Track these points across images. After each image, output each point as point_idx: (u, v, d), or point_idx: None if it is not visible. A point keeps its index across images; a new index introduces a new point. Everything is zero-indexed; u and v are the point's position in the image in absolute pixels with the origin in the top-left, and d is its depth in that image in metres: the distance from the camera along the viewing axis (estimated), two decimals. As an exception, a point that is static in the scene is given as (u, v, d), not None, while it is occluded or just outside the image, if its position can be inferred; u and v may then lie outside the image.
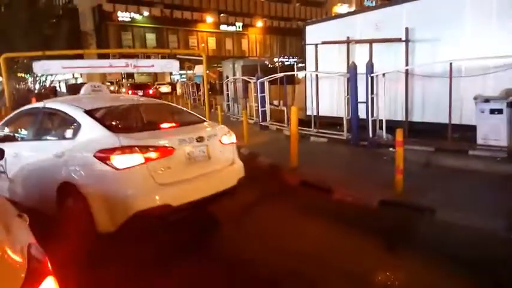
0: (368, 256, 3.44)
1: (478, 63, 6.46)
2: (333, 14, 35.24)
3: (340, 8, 57.29)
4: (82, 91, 5.21)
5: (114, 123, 4.13)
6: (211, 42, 50.02)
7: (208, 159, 4.10)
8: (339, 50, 9.29)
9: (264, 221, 4.47)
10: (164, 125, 4.28)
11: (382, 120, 7.34)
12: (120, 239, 3.56)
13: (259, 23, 52.37)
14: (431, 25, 7.53)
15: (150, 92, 28.69)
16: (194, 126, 4.37)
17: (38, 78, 23.85)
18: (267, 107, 11.24)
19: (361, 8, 9.40)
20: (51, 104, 4.60)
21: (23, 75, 23.47)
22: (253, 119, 12.12)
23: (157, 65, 15.36)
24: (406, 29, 7.79)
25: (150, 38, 45.04)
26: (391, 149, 6.71)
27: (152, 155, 3.56)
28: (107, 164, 3.40)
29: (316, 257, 3.45)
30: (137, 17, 43.02)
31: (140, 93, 28.09)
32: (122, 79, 39.17)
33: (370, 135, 7.38)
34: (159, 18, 44.44)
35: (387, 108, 7.42)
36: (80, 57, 17.71)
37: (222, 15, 49.72)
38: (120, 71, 29.31)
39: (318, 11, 56.07)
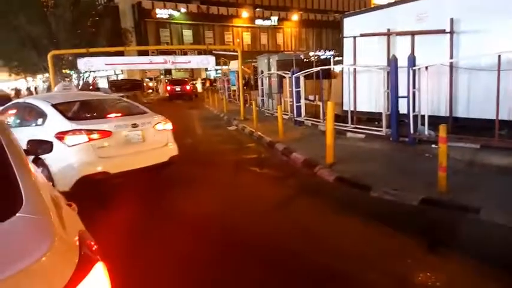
0: (408, 256, 3.33)
1: (530, 55, 6.05)
2: (372, 5, 34.23)
3: (379, -1, 55.61)
4: (55, 89, 7.60)
5: (70, 113, 5.56)
6: (247, 38, 50.18)
7: (143, 141, 5.55)
8: (378, 43, 9.00)
9: (299, 217, 4.44)
10: (110, 115, 5.69)
11: (424, 115, 7.05)
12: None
13: (295, 17, 51.84)
14: (477, 15, 7.12)
15: (187, 87, 29.25)
16: (133, 116, 5.77)
17: (81, 75, 25.00)
18: (302, 102, 11.13)
19: (402, -1, 9.07)
20: (28, 99, 6.47)
21: (67, 71, 24.67)
22: (287, 115, 12.05)
23: (194, 61, 15.69)
24: (451, 19, 7.41)
25: (187, 34, 45.89)
26: (433, 145, 6.46)
27: (94, 136, 5.00)
28: (62, 142, 4.81)
29: (354, 255, 3.39)
30: (175, 13, 43.91)
31: (178, 88, 28.72)
32: (160, 75, 40.24)
33: (411, 131, 7.12)
34: (195, 14, 45.14)
35: (429, 103, 7.12)
36: (120, 54, 18.32)
37: (257, 9, 49.69)
38: (159, 68, 30.12)
39: (356, 2, 54.67)
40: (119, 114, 5.77)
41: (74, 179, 4.78)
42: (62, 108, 5.46)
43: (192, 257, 3.50)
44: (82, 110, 6.07)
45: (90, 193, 4.87)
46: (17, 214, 1.31)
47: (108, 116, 5.68)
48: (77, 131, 4.93)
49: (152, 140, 5.66)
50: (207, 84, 38.77)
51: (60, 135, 4.85)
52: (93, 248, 1.37)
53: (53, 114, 5.25)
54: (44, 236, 1.24)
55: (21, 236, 1.25)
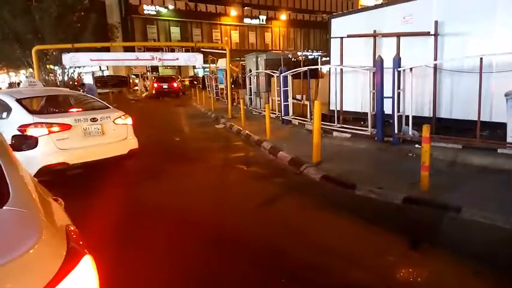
0: (391, 252, 3.41)
1: (510, 58, 6.22)
2: (360, 7, 34.57)
3: (367, 1, 56.16)
4: (21, 85, 8.06)
5: (33, 107, 6.13)
6: (235, 36, 50.09)
7: (102, 134, 5.93)
8: (365, 44, 9.12)
9: (284, 215, 4.49)
10: (71, 110, 6.17)
11: (408, 116, 7.19)
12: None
13: (283, 16, 51.99)
14: (461, 19, 7.29)
15: (175, 85, 29.03)
16: (93, 111, 6.16)
17: (66, 71, 24.56)
18: (290, 101, 11.20)
19: (389, 1, 9.16)
20: None
21: (52, 67, 24.21)
22: (275, 113, 12.11)
23: (182, 58, 15.62)
24: (435, 22, 7.57)
25: (175, 31, 45.54)
26: (417, 145, 6.60)
27: (54, 129, 5.34)
28: (24, 134, 5.01)
29: (338, 252, 3.45)
30: (162, 10, 43.52)
31: (165, 86, 28.47)
32: (147, 72, 39.84)
33: (396, 131, 7.25)
34: (183, 11, 44.82)
35: (414, 103, 7.26)
36: (106, 49, 18.10)
37: (246, 8, 49.64)
38: (145, 64, 29.81)
39: (344, 4, 55.18)
40: (80, 109, 6.22)
41: (35, 168, 4.93)
42: (25, 102, 5.89)
43: (174, 252, 3.51)
44: (45, 104, 6.72)
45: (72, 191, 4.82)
46: (4, 207, 1.31)
47: (70, 110, 6.17)
48: (38, 124, 5.28)
49: (111, 134, 6.07)
50: (186, 82, 37.08)
51: (23, 128, 5.11)
52: (80, 242, 1.38)
53: (16, 108, 5.57)
54: (31, 229, 1.24)
55: (8, 229, 1.25)
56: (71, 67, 23.23)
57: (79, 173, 5.93)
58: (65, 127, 5.49)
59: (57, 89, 10.84)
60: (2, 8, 20.23)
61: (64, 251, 1.22)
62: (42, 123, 5.33)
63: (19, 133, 5.02)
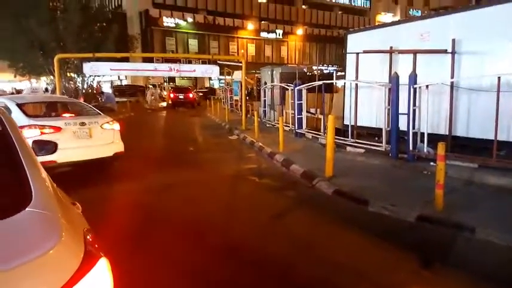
0: (402, 270, 3.37)
1: (530, 77, 6.15)
2: (376, 23, 34.64)
3: (384, 17, 56.24)
4: (24, 92, 9.26)
5: (30, 111, 6.70)
6: (251, 49, 50.62)
7: (90, 137, 6.58)
8: (381, 60, 9.13)
9: (295, 228, 4.48)
10: (64, 114, 6.98)
11: (423, 133, 7.13)
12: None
13: (300, 31, 52.37)
14: (479, 37, 7.25)
15: (190, 96, 29.41)
16: (84, 116, 6.90)
17: (86, 79, 25.18)
18: (304, 114, 11.23)
19: (406, 18, 9.19)
20: (0, 98, 7.20)
21: (72, 75, 24.86)
22: (288, 126, 12.14)
23: (199, 70, 15.87)
24: (453, 40, 7.55)
25: (193, 43, 46.32)
26: (432, 163, 6.51)
27: (46, 130, 6.02)
28: None
29: (348, 267, 3.42)
30: (181, 22, 44.39)
31: (181, 96, 28.90)
32: (164, 82, 40.50)
33: (411, 147, 7.19)
34: (202, 24, 45.62)
35: (429, 121, 7.20)
36: (126, 59, 18.52)
37: (262, 22, 50.24)
38: (164, 75, 30.32)
39: (361, 20, 55.34)
40: (72, 114, 7.02)
41: None
42: (24, 107, 6.58)
43: (183, 259, 3.53)
44: (41, 109, 7.49)
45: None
46: (27, 209, 1.37)
47: (62, 115, 6.98)
48: (32, 126, 5.97)
49: (99, 137, 6.72)
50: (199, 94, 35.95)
51: (19, 129, 5.84)
52: (96, 245, 1.43)
53: (16, 111, 6.20)
54: (52, 231, 1.29)
55: (30, 230, 1.31)
56: (90, 76, 23.80)
57: (91, 180, 6.05)
58: (56, 129, 6.18)
59: (56, 96, 11.74)
60: (29, 16, 20.95)
61: (82, 253, 1.27)
62: (36, 125, 6.05)
63: None
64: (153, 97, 30.89)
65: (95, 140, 6.67)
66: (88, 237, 1.43)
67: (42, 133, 5.99)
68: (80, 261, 1.23)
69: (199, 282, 3.16)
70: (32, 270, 1.12)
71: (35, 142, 2.72)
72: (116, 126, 7.12)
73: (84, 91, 24.70)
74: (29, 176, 1.55)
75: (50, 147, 2.97)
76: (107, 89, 33.08)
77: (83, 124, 6.55)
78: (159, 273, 3.30)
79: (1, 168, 1.72)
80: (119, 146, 7.04)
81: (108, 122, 6.99)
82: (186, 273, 3.31)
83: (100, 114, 7.31)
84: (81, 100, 20.07)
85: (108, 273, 1.32)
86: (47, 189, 1.59)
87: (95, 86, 26.76)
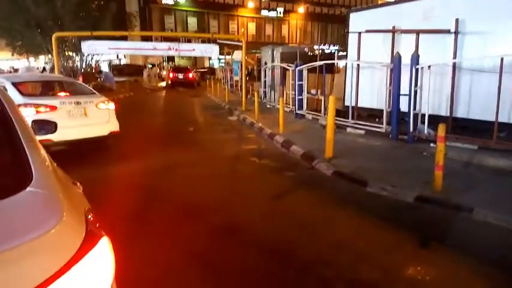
0: (399, 250, 3.42)
1: (533, 58, 6.07)
2: (380, 2, 33.96)
3: (387, -4, 55.07)
4: (20, 71, 8.83)
5: (26, 90, 6.76)
6: (251, 28, 49.90)
7: (85, 116, 6.65)
8: (383, 40, 9.00)
9: (295, 208, 4.52)
10: (59, 94, 7.10)
11: (424, 114, 7.10)
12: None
13: (301, 9, 51.49)
14: (483, 17, 7.12)
15: (190, 75, 29.19)
16: (79, 96, 6.95)
17: (84, 58, 24.89)
18: (304, 95, 11.17)
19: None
20: None
21: (70, 54, 24.55)
22: (289, 107, 12.09)
23: (198, 49, 15.68)
24: (456, 20, 7.42)
25: (192, 21, 45.62)
26: (432, 144, 6.52)
27: (41, 109, 6.08)
28: None
29: (347, 247, 3.47)
30: (180, 0, 43.57)
31: (181, 76, 28.69)
32: (163, 62, 40.08)
33: (411, 129, 7.18)
34: (201, 2, 44.82)
35: (430, 102, 7.16)
36: (124, 38, 18.25)
37: (263, 0, 49.31)
38: (163, 54, 29.96)
39: (363, -2, 54.28)
40: (67, 94, 7.10)
41: None
42: (20, 86, 6.64)
43: (185, 238, 3.58)
44: (37, 88, 7.48)
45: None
46: (27, 189, 1.37)
47: (58, 94, 7.10)
48: (28, 105, 6.00)
49: (94, 116, 6.80)
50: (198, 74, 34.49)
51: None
52: (97, 225, 1.43)
53: (11, 90, 6.24)
54: (53, 210, 1.30)
55: (31, 210, 1.31)
56: (89, 54, 23.52)
57: (91, 161, 6.06)
58: (51, 108, 6.25)
59: (51, 75, 11.64)
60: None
61: (83, 233, 1.27)
62: (31, 103, 6.09)
63: None
64: (148, 77, 30.68)
65: (90, 119, 6.74)
66: (89, 216, 1.43)
67: (37, 112, 6.03)
68: (81, 240, 1.24)
69: (198, 262, 3.21)
70: (33, 249, 1.13)
71: (34, 122, 2.70)
72: (111, 105, 7.17)
73: (82, 70, 24.47)
74: (29, 156, 1.54)
75: (49, 127, 2.96)
76: (105, 68, 32.75)
77: (78, 103, 6.62)
78: (159, 253, 3.34)
79: (0, 148, 1.71)
80: (114, 125, 7.14)
81: (103, 102, 7.05)
82: (186, 253, 3.36)
83: (95, 93, 7.35)
84: (80, 79, 19.92)
85: (109, 252, 1.33)
86: (47, 169, 1.58)
87: (93, 65, 26.46)
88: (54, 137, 5.62)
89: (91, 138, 6.74)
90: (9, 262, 1.07)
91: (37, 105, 6.13)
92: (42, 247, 1.15)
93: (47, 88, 7.54)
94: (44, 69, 25.37)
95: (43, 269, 1.11)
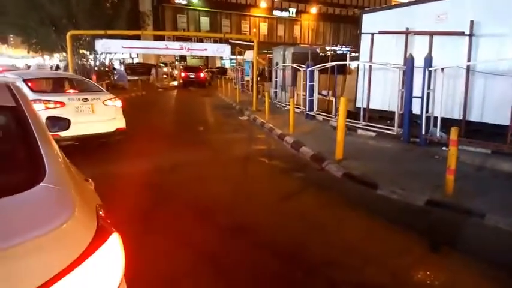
0: (409, 253, 3.38)
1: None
2: (393, 3, 33.66)
3: (400, -3, 54.52)
4: (31, 68, 9.72)
5: (36, 87, 6.89)
6: (263, 28, 49.88)
7: (92, 112, 6.87)
8: (396, 41, 8.92)
9: (304, 209, 4.50)
10: (68, 90, 7.33)
11: (437, 117, 7.02)
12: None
13: (314, 9, 51.27)
14: (498, 19, 7.01)
15: (202, 75, 29.32)
16: (87, 93, 7.20)
17: (98, 56, 25.16)
18: (315, 96, 11.12)
19: (424, -2, 8.96)
20: (7, 74, 7.70)
21: (84, 52, 24.84)
22: (299, 108, 12.06)
23: (210, 49, 15.73)
24: (471, 22, 7.31)
25: (204, 21, 45.80)
26: (444, 148, 6.44)
27: (50, 105, 6.30)
28: None
29: (356, 249, 3.45)
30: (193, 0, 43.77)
31: (192, 75, 28.85)
32: (175, 61, 40.32)
33: (423, 132, 7.10)
34: (213, 1, 44.96)
35: (443, 105, 7.07)
36: (137, 37, 18.41)
37: (276, 0, 49.26)
38: (175, 53, 30.15)
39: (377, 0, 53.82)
40: (76, 91, 7.34)
41: None
42: (30, 82, 6.85)
43: (194, 237, 3.60)
44: (46, 85, 7.75)
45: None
46: (41, 184, 1.40)
47: (66, 91, 7.34)
48: (37, 101, 6.17)
49: (101, 113, 6.98)
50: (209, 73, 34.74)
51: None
52: (108, 221, 1.46)
53: (22, 86, 6.39)
54: (65, 206, 1.32)
55: (44, 205, 1.34)
56: (102, 53, 23.77)
57: (102, 159, 6.13)
58: (60, 104, 6.48)
59: (61, 72, 12.10)
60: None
61: (94, 228, 1.30)
62: (40, 99, 6.28)
63: None
64: (154, 76, 30.92)
65: (97, 115, 6.92)
66: (100, 212, 1.46)
67: (46, 108, 6.23)
68: (92, 235, 1.26)
69: (207, 261, 3.23)
70: (45, 244, 1.15)
71: (48, 118, 2.75)
72: (118, 103, 7.35)
73: (96, 68, 24.74)
74: (42, 152, 1.58)
75: (63, 123, 3.00)
76: (117, 67, 33.05)
77: (85, 100, 6.83)
78: (169, 252, 3.37)
79: (15, 144, 1.75)
80: (120, 122, 7.30)
81: (110, 99, 7.23)
82: (195, 252, 3.38)
83: (103, 90, 7.58)
84: (94, 78, 20.14)
85: (119, 248, 1.35)
86: (60, 165, 1.61)
87: (106, 63, 26.72)
88: (62, 132, 5.90)
89: (98, 134, 6.95)
90: (21, 256, 1.09)
91: (46, 101, 6.33)
92: (53, 242, 1.17)
93: (56, 85, 7.81)
94: (58, 67, 25.72)
95: (54, 263, 1.14)
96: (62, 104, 6.49)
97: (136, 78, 27.63)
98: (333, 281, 2.95)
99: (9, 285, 1.04)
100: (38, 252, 1.13)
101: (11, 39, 33.53)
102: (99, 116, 6.97)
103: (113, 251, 1.31)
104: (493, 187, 4.95)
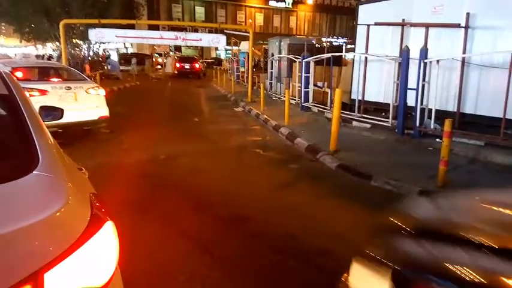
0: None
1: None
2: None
3: (397, -11, 54.17)
4: (17, 57, 9.61)
5: (21, 75, 7.10)
6: (259, 18, 49.49)
7: (75, 101, 7.01)
8: (392, 33, 8.90)
9: (298, 200, 4.53)
10: (52, 79, 7.39)
11: (431, 109, 7.05)
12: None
13: (310, 0, 50.91)
14: (494, 12, 7.01)
15: (197, 66, 29.13)
16: (70, 81, 7.37)
17: (91, 46, 24.87)
18: (311, 87, 11.11)
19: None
20: None
21: (78, 41, 24.53)
22: (295, 99, 12.04)
23: (205, 39, 15.59)
24: (467, 14, 7.31)
25: (199, 11, 45.33)
26: (438, 140, 6.49)
27: (34, 93, 6.39)
28: None
29: (348, 239, 3.47)
30: (188, -11, 43.27)
31: (187, 66, 28.65)
32: (170, 51, 39.98)
33: (417, 123, 7.13)
34: (209, -9, 44.46)
35: (438, 97, 7.10)
36: (131, 26, 18.19)
37: (272, -10, 48.85)
38: (169, 43, 29.85)
39: (373, -9, 53.50)
40: (59, 79, 7.48)
41: None
42: (16, 71, 6.95)
43: (187, 227, 3.62)
44: (31, 73, 7.89)
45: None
46: (34, 172, 1.39)
47: (50, 79, 7.42)
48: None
49: (84, 101, 7.16)
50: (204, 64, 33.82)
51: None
52: (102, 209, 1.45)
53: None
54: (58, 194, 1.32)
55: (37, 193, 1.33)
56: (96, 42, 23.49)
57: (97, 151, 6.09)
58: (43, 92, 6.62)
59: (46, 61, 12.44)
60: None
61: (88, 216, 1.29)
62: (25, 88, 6.16)
63: None
64: (159, 66, 30.64)
65: (80, 103, 7.08)
66: (94, 201, 1.45)
67: (30, 95, 6.37)
68: (86, 223, 1.26)
69: (201, 250, 3.24)
70: (38, 231, 1.15)
71: (41, 108, 2.72)
72: (101, 91, 7.55)
73: (89, 58, 24.47)
74: (35, 140, 1.56)
75: (56, 113, 2.98)
76: (112, 56, 32.72)
77: (68, 88, 7.01)
78: (165, 241, 3.38)
79: (8, 132, 1.73)
80: (103, 111, 7.48)
81: (93, 88, 7.43)
82: (189, 241, 3.39)
83: (86, 79, 7.83)
84: (88, 67, 19.93)
85: (114, 237, 1.35)
86: (53, 153, 1.60)
87: (100, 53, 26.43)
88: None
89: (81, 122, 7.08)
90: (14, 243, 1.09)
91: (29, 89, 6.35)
92: (46, 229, 1.17)
93: (41, 74, 7.95)
94: (51, 56, 25.38)
95: (47, 251, 1.13)
96: (45, 92, 6.63)
97: (130, 68, 27.39)
98: (323, 269, 2.98)
99: (2, 272, 1.03)
100: (31, 240, 1.13)
101: (3, 28, 33.00)
102: (82, 104, 7.11)
103: (107, 239, 1.31)
104: (484, 178, 5.00)
